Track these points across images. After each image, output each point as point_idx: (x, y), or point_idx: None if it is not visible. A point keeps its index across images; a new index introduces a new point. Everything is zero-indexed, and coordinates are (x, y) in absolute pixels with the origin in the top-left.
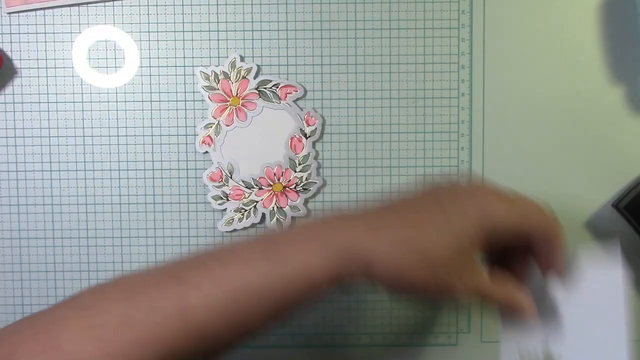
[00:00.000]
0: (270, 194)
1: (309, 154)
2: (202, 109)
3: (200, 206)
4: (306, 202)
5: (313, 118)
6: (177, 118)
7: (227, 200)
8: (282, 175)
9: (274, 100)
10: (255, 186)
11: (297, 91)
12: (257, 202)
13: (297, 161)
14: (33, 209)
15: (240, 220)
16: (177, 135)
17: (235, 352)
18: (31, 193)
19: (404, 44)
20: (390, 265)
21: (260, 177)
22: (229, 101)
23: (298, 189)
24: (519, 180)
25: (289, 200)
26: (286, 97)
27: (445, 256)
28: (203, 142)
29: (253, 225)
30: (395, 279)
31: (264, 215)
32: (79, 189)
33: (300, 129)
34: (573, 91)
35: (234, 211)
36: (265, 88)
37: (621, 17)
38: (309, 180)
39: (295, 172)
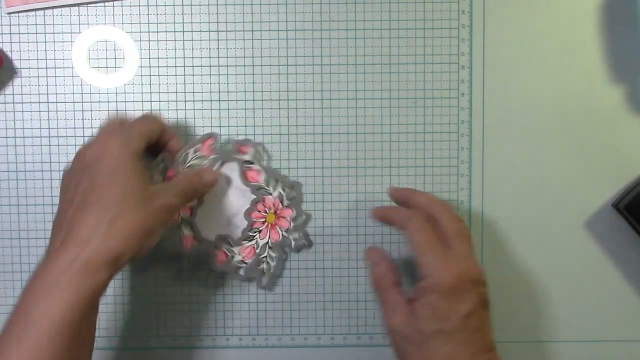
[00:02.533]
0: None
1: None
2: (202, 109)
3: None
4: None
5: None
6: (177, 118)
7: None
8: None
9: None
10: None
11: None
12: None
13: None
14: (33, 209)
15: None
16: (177, 135)
17: (235, 353)
18: (31, 193)
19: (404, 44)
20: None
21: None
22: None
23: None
24: (519, 180)
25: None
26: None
27: None
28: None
29: None
30: None
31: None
32: None
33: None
34: (573, 91)
35: None
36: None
37: (621, 17)
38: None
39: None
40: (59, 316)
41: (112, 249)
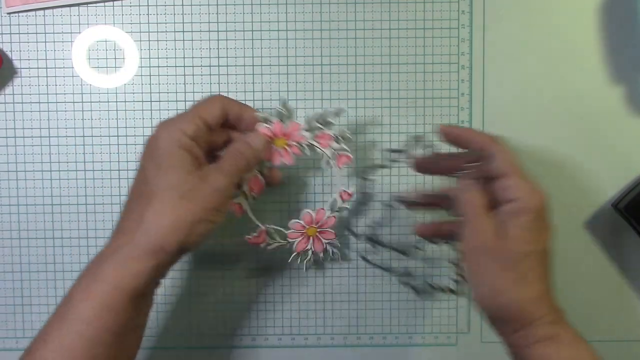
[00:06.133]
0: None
1: None
2: None
3: None
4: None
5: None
6: None
7: None
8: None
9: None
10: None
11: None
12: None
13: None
14: (33, 209)
15: None
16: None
17: (235, 352)
18: (31, 193)
19: (404, 44)
20: None
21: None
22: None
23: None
24: None
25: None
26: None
27: None
28: None
29: None
30: None
31: None
32: (79, 189)
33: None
34: (573, 91)
35: None
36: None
37: (621, 17)
38: None
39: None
40: (98, 300)
41: (152, 241)
